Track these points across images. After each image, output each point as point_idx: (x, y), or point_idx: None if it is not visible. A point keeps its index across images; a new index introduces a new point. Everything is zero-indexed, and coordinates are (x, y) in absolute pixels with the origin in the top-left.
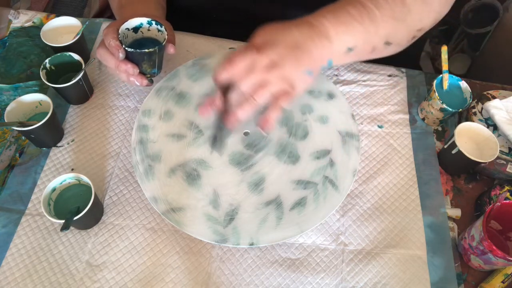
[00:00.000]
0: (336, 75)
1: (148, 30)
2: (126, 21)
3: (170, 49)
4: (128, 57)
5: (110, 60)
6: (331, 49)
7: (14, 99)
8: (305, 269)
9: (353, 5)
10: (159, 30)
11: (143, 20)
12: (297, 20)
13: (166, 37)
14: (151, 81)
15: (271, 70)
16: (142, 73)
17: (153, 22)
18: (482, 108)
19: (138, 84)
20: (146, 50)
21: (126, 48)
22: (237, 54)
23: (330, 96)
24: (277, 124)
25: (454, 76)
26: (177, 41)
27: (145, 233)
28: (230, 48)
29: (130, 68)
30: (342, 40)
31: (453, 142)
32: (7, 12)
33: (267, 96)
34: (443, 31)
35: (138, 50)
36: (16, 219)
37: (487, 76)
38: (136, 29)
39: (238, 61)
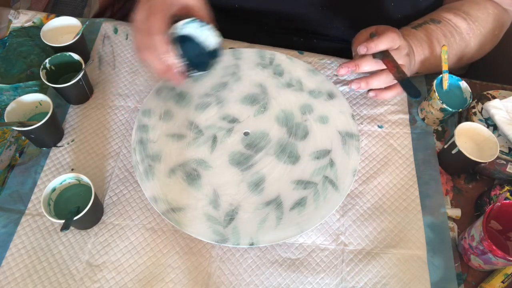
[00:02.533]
0: (336, 75)
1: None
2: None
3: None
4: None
5: (159, 66)
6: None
7: (14, 99)
8: (305, 269)
9: (437, 41)
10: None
11: (195, 24)
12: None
13: (219, 39)
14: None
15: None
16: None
17: (206, 26)
18: (482, 108)
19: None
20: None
21: (192, 74)
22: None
23: (330, 96)
24: (277, 124)
25: (454, 76)
26: None
27: (145, 233)
28: (230, 48)
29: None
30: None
31: (453, 142)
32: (7, 12)
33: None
34: None
35: (201, 72)
36: (16, 219)
37: (487, 76)
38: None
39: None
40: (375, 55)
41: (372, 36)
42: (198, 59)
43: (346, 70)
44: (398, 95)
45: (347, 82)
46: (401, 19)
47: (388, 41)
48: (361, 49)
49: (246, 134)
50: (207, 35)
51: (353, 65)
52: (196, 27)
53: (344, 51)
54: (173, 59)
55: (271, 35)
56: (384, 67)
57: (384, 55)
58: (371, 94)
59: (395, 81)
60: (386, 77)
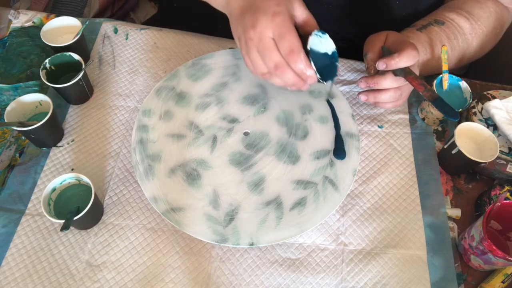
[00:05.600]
0: (336, 75)
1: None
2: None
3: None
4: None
5: (295, 80)
6: None
7: (14, 99)
8: (305, 269)
9: (440, 44)
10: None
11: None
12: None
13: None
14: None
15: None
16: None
17: (325, 35)
18: (482, 108)
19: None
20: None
21: (324, 83)
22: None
23: (330, 96)
24: (277, 124)
25: (454, 76)
26: (177, 41)
27: (145, 233)
28: (230, 48)
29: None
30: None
31: (453, 142)
32: (7, 12)
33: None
34: None
35: (330, 81)
36: (16, 219)
37: (487, 76)
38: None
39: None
40: (395, 71)
41: (384, 50)
42: (326, 68)
43: (364, 85)
44: (394, 99)
45: (347, 82)
46: (405, 17)
47: (409, 59)
48: (380, 65)
49: (246, 134)
50: (326, 43)
51: (373, 82)
52: (317, 37)
53: (344, 50)
54: (313, 72)
55: None
56: (402, 84)
57: (406, 72)
58: (363, 98)
59: (403, 97)
60: (395, 93)
